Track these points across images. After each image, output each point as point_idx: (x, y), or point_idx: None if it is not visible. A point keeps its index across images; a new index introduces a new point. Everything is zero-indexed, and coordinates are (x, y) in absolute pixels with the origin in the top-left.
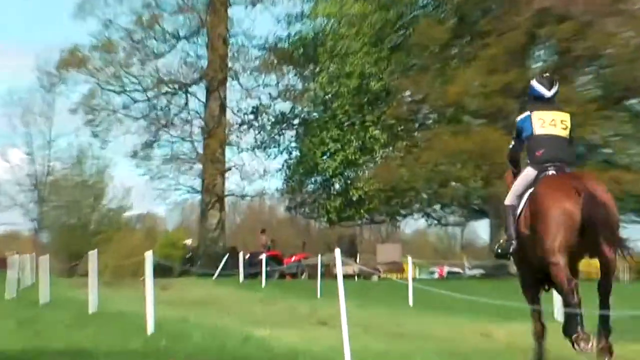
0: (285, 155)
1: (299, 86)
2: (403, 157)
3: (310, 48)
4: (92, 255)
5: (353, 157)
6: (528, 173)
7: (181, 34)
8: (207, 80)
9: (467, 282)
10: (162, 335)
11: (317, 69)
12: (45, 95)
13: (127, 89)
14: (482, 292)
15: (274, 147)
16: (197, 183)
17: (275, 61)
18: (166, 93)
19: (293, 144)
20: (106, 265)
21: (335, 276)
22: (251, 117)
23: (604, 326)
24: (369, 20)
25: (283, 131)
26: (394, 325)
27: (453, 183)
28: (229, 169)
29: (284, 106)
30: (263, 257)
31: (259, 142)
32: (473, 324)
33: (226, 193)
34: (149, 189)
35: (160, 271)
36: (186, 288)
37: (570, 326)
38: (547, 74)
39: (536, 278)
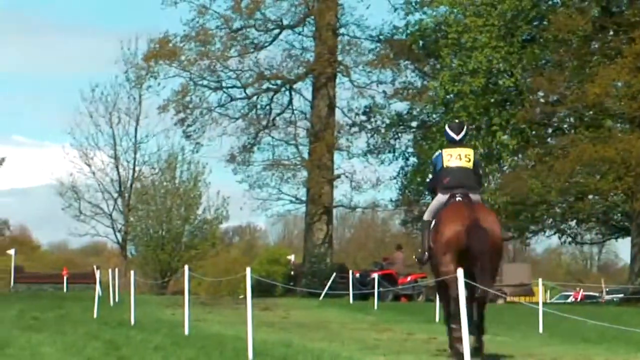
0: (401, 162)
1: (418, 84)
2: (534, 166)
3: (430, 41)
4: (185, 271)
5: None
6: (439, 196)
7: (285, 22)
8: (313, 76)
9: (604, 307)
10: None
11: (438, 65)
12: (132, 91)
13: (224, 85)
14: (621, 320)
15: (389, 152)
16: (301, 192)
17: (391, 55)
18: (268, 90)
19: (410, 149)
20: (200, 283)
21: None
22: (363, 118)
23: (478, 328)
24: (499, 9)
25: (399, 135)
26: (521, 354)
27: (591, 196)
28: (338, 176)
29: (400, 106)
30: (375, 276)
31: (371, 147)
32: (610, 355)
33: (334, 204)
34: (247, 199)
35: (261, 290)
36: (289, 309)
37: (450, 330)
38: (458, 121)
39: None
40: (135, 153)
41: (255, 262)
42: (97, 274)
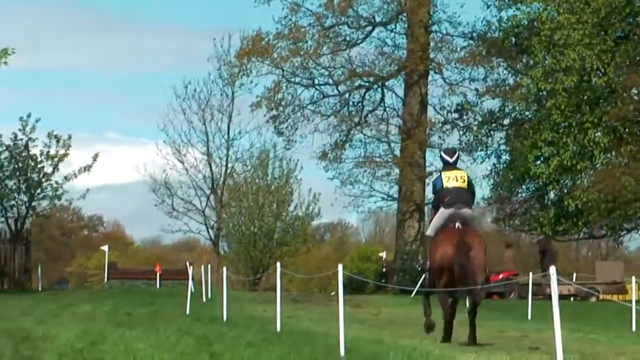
0: (493, 160)
1: (510, 81)
2: (627, 163)
3: (523, 38)
4: (277, 268)
5: (570, 163)
6: (442, 211)
7: (377, 19)
8: (406, 73)
9: None
10: (356, 358)
11: (531, 62)
12: (224, 88)
13: (316, 82)
14: None
15: (481, 150)
16: (393, 190)
17: (484, 52)
18: (360, 87)
19: (502, 147)
20: (291, 280)
21: (549, 296)
22: (455, 115)
23: (471, 332)
24: (592, 6)
25: (491, 132)
26: (613, 353)
27: None
28: (430, 174)
29: (492, 104)
30: None
31: (463, 144)
32: None
33: (426, 201)
34: (339, 195)
35: (352, 287)
36: (381, 306)
37: (445, 333)
38: (451, 147)
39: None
40: (227, 150)
41: (346, 259)
42: (190, 270)
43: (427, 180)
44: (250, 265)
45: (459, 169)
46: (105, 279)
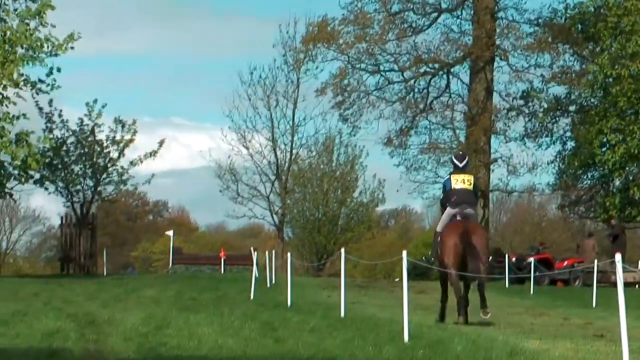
0: (558, 146)
1: (576, 68)
2: None
3: (590, 24)
4: (341, 254)
5: (636, 150)
6: (449, 210)
7: (443, 5)
8: (471, 60)
9: None
10: (420, 344)
11: (598, 49)
12: (290, 74)
13: (382, 68)
14: None
15: (546, 136)
16: None
17: (550, 39)
18: (425, 73)
19: (568, 134)
20: (355, 266)
21: (614, 284)
22: (521, 102)
23: (482, 303)
24: None
25: (557, 119)
26: None
27: None
28: (495, 160)
29: (558, 90)
30: (531, 260)
31: (529, 131)
32: None
33: (491, 188)
34: (404, 182)
35: (417, 273)
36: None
37: (458, 308)
38: (461, 152)
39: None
40: (292, 136)
41: (411, 245)
42: (254, 255)
43: (491, 167)
44: (315, 251)
45: (467, 173)
46: (170, 264)
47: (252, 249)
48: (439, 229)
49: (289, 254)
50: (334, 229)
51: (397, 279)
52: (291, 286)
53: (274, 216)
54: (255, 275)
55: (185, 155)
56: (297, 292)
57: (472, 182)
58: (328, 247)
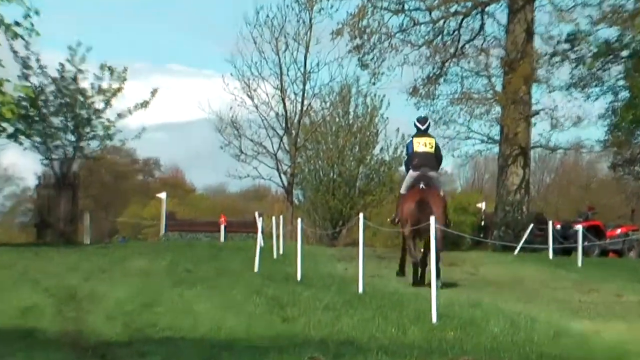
0: (609, 97)
1: (629, 7)
2: None
3: None
4: (359, 220)
5: None
6: (411, 173)
7: None
8: None
9: None
10: (450, 324)
11: None
12: (301, 14)
13: (406, 7)
14: None
15: (596, 86)
16: (494, 131)
17: None
18: (456, 13)
19: (620, 82)
20: (375, 233)
21: None
22: (566, 46)
23: (437, 271)
24: None
25: (608, 65)
26: None
27: None
28: (536, 113)
29: (608, 33)
30: (579, 228)
31: (575, 79)
32: None
33: (532, 144)
34: None
35: (446, 242)
36: (479, 264)
37: (413, 278)
38: (423, 116)
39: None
40: (304, 84)
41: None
42: (259, 221)
43: (532, 120)
44: (329, 216)
45: (429, 136)
46: (162, 231)
47: (256, 214)
48: (402, 190)
49: (299, 220)
50: (351, 192)
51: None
52: (302, 257)
53: (282, 176)
54: (261, 244)
55: (181, 106)
56: (309, 264)
57: (434, 145)
58: (344, 212)
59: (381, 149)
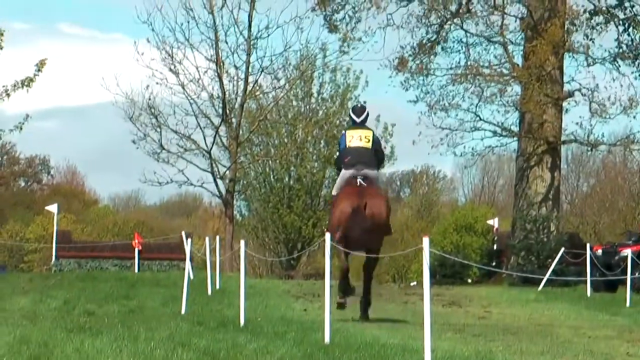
0: None
1: None
2: None
3: None
4: (326, 241)
5: None
6: (343, 173)
7: None
8: None
9: None
10: None
11: None
12: None
13: None
14: None
15: None
16: (511, 119)
17: None
18: None
19: None
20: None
21: None
22: (612, 1)
23: (364, 308)
24: None
25: None
26: None
27: None
28: (570, 95)
29: None
30: (628, 253)
31: (623, 49)
32: None
33: (564, 138)
34: (425, 127)
35: (446, 273)
36: (490, 303)
37: (339, 292)
38: (360, 105)
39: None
40: (248, 55)
41: (436, 229)
42: (187, 244)
43: (564, 105)
44: (283, 237)
45: (366, 128)
46: (54, 258)
47: (183, 234)
48: (334, 192)
49: (242, 243)
50: (314, 203)
51: (414, 283)
52: (246, 294)
53: (219, 182)
54: (189, 276)
55: (77, 84)
56: (256, 303)
57: (371, 138)
58: (304, 231)
59: None
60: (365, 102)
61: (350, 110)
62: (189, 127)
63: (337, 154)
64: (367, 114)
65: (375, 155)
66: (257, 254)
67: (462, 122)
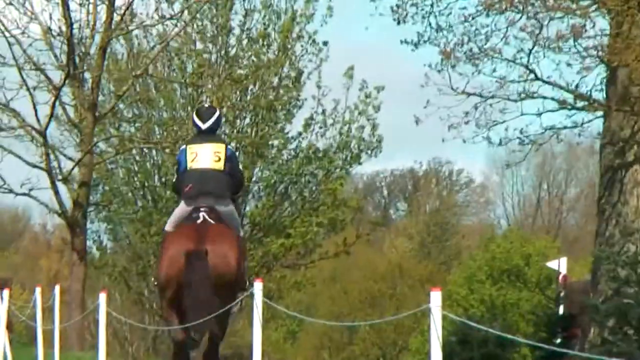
0: None
1: None
2: None
3: None
4: (256, 294)
5: None
6: (182, 207)
7: None
8: None
9: None
10: None
11: None
12: None
13: None
14: None
15: None
16: (590, 80)
17: None
18: None
19: None
20: (293, 330)
21: None
22: None
23: None
24: None
25: None
26: None
27: None
28: None
29: None
30: None
31: None
32: None
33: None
34: (434, 96)
35: (473, 354)
36: None
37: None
38: (207, 105)
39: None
40: None
41: (456, 276)
42: (3, 301)
43: None
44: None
45: (215, 140)
46: None
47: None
48: (166, 227)
49: (101, 297)
50: None
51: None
52: None
53: (60, 188)
54: (5, 354)
55: None
56: None
57: (223, 156)
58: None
59: (310, 124)
60: (211, 103)
61: (194, 114)
62: (5, 87)
63: (176, 176)
64: (219, 118)
65: (230, 179)
66: (129, 317)
67: (504, 82)
